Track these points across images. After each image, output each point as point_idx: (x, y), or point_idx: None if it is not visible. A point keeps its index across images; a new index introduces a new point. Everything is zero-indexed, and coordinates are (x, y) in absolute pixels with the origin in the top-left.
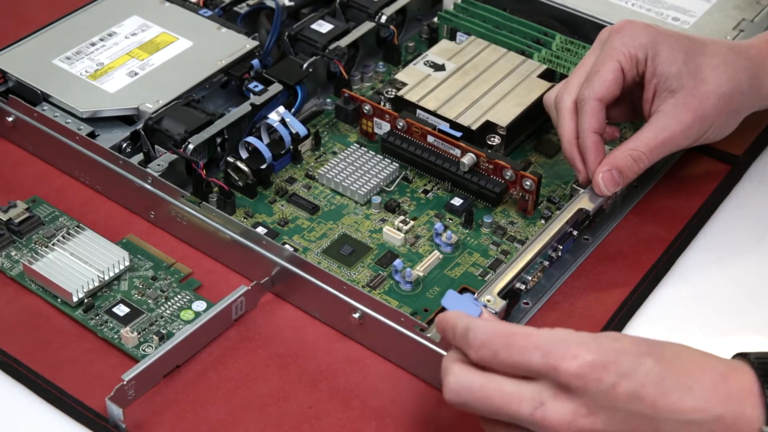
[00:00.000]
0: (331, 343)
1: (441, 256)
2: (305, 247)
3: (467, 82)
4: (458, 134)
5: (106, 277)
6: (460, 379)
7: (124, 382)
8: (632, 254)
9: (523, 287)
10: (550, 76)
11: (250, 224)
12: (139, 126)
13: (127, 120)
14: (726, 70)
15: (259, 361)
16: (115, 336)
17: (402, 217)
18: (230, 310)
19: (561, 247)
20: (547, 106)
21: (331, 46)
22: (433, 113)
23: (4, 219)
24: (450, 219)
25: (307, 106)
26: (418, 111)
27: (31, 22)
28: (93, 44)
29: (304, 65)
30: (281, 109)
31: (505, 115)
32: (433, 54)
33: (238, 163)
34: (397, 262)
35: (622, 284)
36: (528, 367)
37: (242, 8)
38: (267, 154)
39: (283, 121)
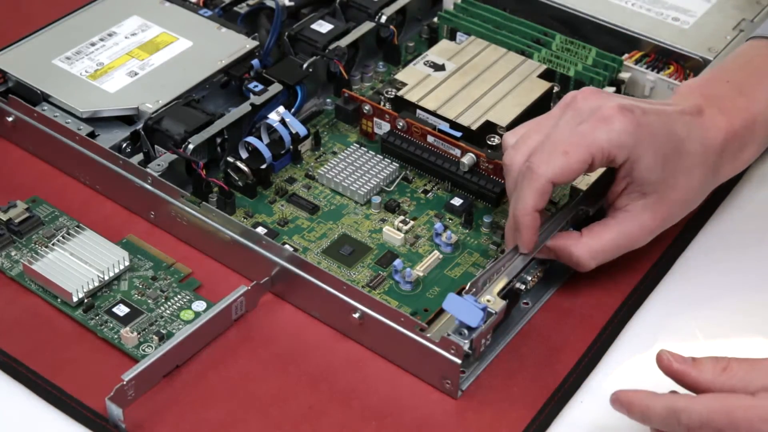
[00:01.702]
0: (331, 343)
1: (441, 256)
2: (305, 247)
3: (467, 82)
4: (458, 134)
5: (106, 277)
6: None
7: (124, 382)
8: (632, 254)
9: (523, 287)
10: (550, 76)
11: (250, 224)
12: (139, 126)
13: (127, 120)
14: (698, 175)
15: (259, 361)
16: (115, 336)
17: (402, 217)
18: (230, 310)
19: None
20: (504, 145)
21: (331, 46)
22: (433, 113)
23: (4, 219)
24: (450, 219)
25: (307, 106)
26: (418, 111)
27: (31, 22)
28: (93, 44)
29: (304, 65)
30: (281, 109)
31: (505, 115)
32: (433, 54)
33: (238, 163)
34: (397, 262)
35: (622, 284)
36: None
37: (242, 8)
38: (267, 154)
39: (283, 121)
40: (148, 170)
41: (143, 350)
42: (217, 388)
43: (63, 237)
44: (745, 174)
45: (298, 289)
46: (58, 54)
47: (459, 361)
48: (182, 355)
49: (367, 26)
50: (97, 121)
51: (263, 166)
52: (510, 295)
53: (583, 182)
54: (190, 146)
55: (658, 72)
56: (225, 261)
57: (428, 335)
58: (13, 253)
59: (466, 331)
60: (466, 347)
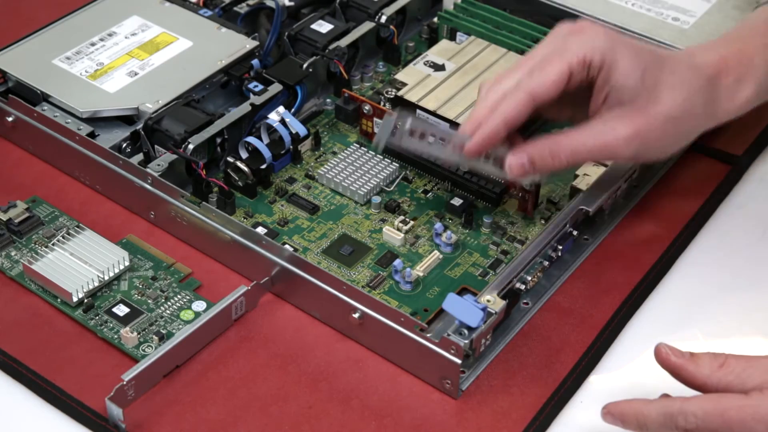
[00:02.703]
0: (331, 343)
1: (441, 256)
2: (305, 247)
3: (467, 82)
4: None
5: (106, 277)
6: None
7: (124, 382)
8: (632, 254)
9: (523, 287)
10: None
11: (250, 224)
12: (139, 126)
13: (127, 120)
14: (682, 91)
15: (259, 361)
16: (115, 336)
17: (402, 217)
18: (230, 310)
19: (561, 247)
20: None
21: (331, 46)
22: (433, 113)
23: (4, 219)
24: (450, 219)
25: (307, 106)
26: (418, 111)
27: (31, 22)
28: (93, 44)
29: (304, 65)
30: (281, 109)
31: None
32: (433, 54)
33: (238, 163)
34: (397, 262)
35: (622, 284)
36: None
37: (242, 8)
38: (267, 154)
39: (283, 121)
40: (148, 170)
41: (143, 350)
42: (217, 388)
43: (63, 237)
44: (745, 174)
45: (298, 289)
46: (58, 54)
47: (459, 361)
48: (182, 355)
49: (367, 26)
50: (97, 121)
51: (263, 166)
52: (510, 295)
53: (583, 182)
54: (190, 146)
55: None
56: (225, 261)
57: (428, 335)
58: (13, 253)
59: (466, 331)
60: (466, 347)
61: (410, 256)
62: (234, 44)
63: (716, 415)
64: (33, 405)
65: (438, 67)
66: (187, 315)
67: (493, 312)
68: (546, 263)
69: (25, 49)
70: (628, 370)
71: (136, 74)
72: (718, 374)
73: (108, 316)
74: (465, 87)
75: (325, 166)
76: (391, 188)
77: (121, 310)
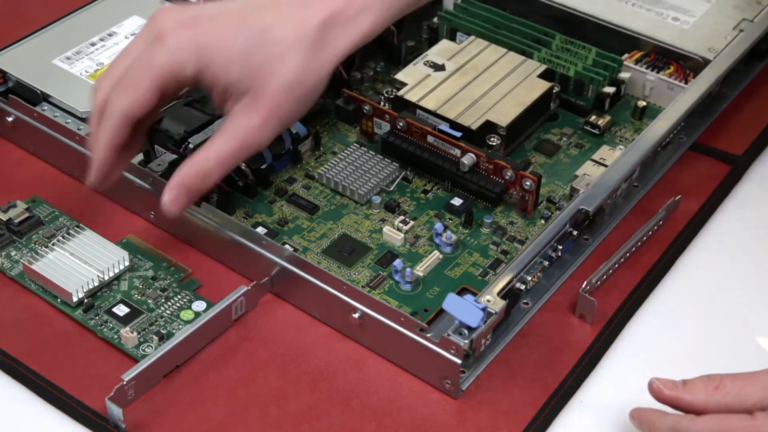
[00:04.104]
0: (331, 343)
1: (441, 256)
2: (305, 247)
3: (467, 82)
4: (458, 134)
5: (106, 277)
6: None
7: (124, 382)
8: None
9: (523, 287)
10: (550, 76)
11: (250, 224)
12: None
13: None
14: (291, 57)
15: (259, 361)
16: (115, 336)
17: (402, 217)
18: (230, 310)
19: (561, 247)
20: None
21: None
22: (433, 113)
23: (4, 219)
24: (450, 219)
25: None
26: (418, 111)
27: (31, 22)
28: (93, 44)
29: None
30: None
31: (505, 115)
32: (433, 54)
33: None
34: (397, 262)
35: (622, 284)
36: None
37: None
38: (267, 154)
39: None
40: (148, 170)
41: (143, 350)
42: (217, 388)
43: (63, 237)
44: (745, 174)
45: (298, 289)
46: (58, 54)
47: (459, 361)
48: (182, 355)
49: None
50: None
51: (263, 166)
52: (510, 295)
53: (583, 182)
54: (190, 146)
55: (658, 72)
56: (225, 261)
57: (428, 335)
58: (13, 253)
59: (466, 331)
60: (466, 347)
61: (410, 256)
62: None
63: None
64: (33, 405)
65: (438, 67)
66: (187, 315)
67: (493, 312)
68: (546, 263)
69: (25, 49)
70: (628, 371)
71: None
72: (716, 396)
73: (108, 316)
74: (465, 87)
75: (325, 166)
76: (391, 188)
77: (121, 310)
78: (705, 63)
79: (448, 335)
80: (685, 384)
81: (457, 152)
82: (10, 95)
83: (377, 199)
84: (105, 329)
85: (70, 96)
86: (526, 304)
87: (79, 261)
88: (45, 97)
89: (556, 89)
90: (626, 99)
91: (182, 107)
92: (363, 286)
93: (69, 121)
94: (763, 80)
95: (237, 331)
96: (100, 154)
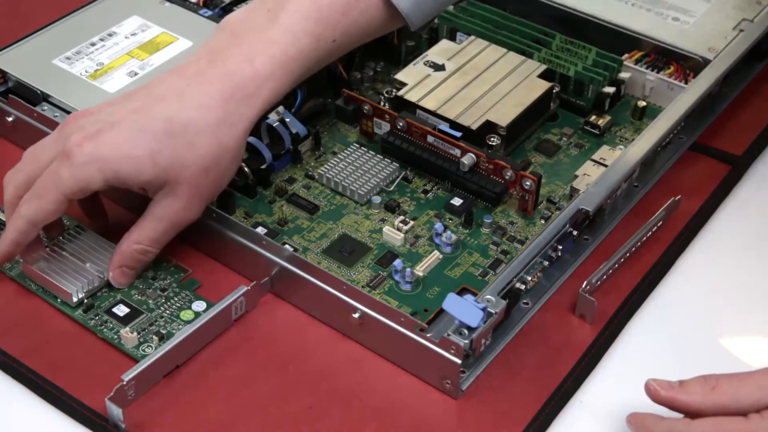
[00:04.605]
0: (331, 343)
1: (441, 256)
2: (305, 247)
3: (467, 82)
4: (458, 134)
5: (106, 277)
6: None
7: (124, 383)
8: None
9: (523, 287)
10: (550, 76)
11: (250, 224)
12: None
13: None
14: (201, 142)
15: (259, 361)
16: (115, 336)
17: (402, 217)
18: (230, 310)
19: (561, 247)
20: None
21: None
22: (433, 113)
23: (4, 219)
24: (450, 219)
25: (307, 106)
26: (418, 111)
27: (31, 22)
28: (93, 44)
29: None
30: (281, 109)
31: (505, 115)
32: (433, 54)
33: None
34: (397, 262)
35: (622, 284)
36: None
37: None
38: (267, 154)
39: (283, 121)
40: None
41: (143, 350)
42: (217, 388)
43: (63, 237)
44: (745, 174)
45: (298, 289)
46: (58, 54)
47: (459, 361)
48: (182, 356)
49: None
50: None
51: (263, 166)
52: (510, 295)
53: (583, 182)
54: None
55: (658, 72)
56: (225, 261)
57: (428, 335)
58: None
59: (466, 331)
60: (466, 347)
61: (410, 256)
62: None
63: None
64: (33, 405)
65: (438, 67)
66: (187, 315)
67: (493, 312)
68: (546, 263)
69: (25, 49)
70: (628, 371)
71: (136, 74)
72: (712, 397)
73: (108, 316)
74: (465, 87)
75: (325, 166)
76: (391, 188)
77: (121, 310)
78: (705, 63)
79: (448, 335)
80: (681, 385)
81: (457, 152)
82: (10, 95)
83: (377, 199)
84: (105, 329)
85: (70, 96)
86: (526, 304)
87: (79, 261)
88: (45, 97)
89: (556, 89)
90: (626, 99)
91: None
92: (363, 286)
93: None
94: (763, 80)
95: (237, 331)
96: (5, 248)
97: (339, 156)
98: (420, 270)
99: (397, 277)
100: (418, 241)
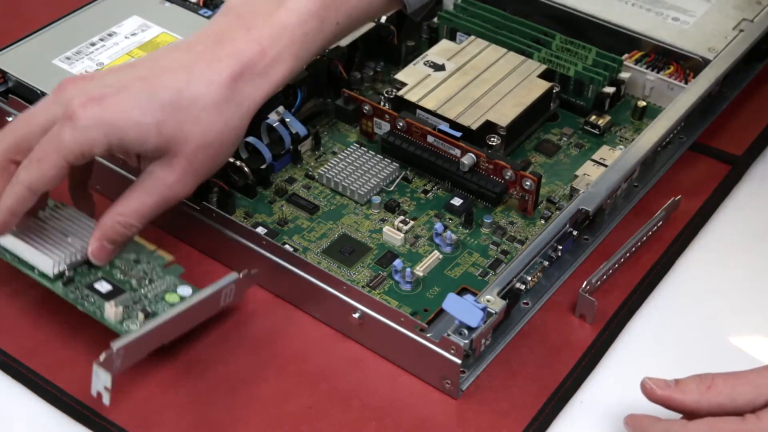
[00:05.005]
0: (331, 343)
1: (441, 256)
2: (305, 247)
3: (467, 82)
4: (458, 134)
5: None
6: None
7: (114, 351)
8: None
9: (523, 287)
10: (550, 76)
11: (250, 224)
12: None
13: None
14: (206, 117)
15: (259, 361)
16: (97, 310)
17: (402, 217)
18: (219, 295)
19: (561, 247)
20: None
21: (331, 46)
22: (433, 113)
23: None
24: (450, 219)
25: (307, 106)
26: (418, 111)
27: (31, 22)
28: (93, 44)
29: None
30: (281, 109)
31: (505, 115)
32: (433, 54)
33: (238, 163)
34: (397, 262)
35: (622, 284)
36: None
37: None
38: (267, 154)
39: (283, 121)
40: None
41: (127, 326)
42: (217, 388)
43: (44, 211)
44: (745, 174)
45: (298, 289)
46: (58, 54)
47: (459, 361)
48: (169, 335)
49: (367, 26)
50: None
51: (263, 166)
52: (510, 295)
53: (583, 182)
54: None
55: (658, 72)
56: (225, 261)
57: (428, 335)
58: None
59: (466, 331)
60: (466, 347)
61: (410, 256)
62: None
63: None
64: (33, 405)
65: (438, 67)
66: (172, 298)
67: (493, 312)
68: (546, 263)
69: (25, 49)
70: (628, 371)
71: None
72: (708, 396)
73: (89, 290)
74: (465, 87)
75: (325, 166)
76: (391, 188)
77: (103, 286)
78: (705, 63)
79: (448, 335)
80: (677, 384)
81: (457, 152)
82: (10, 95)
83: (377, 199)
84: (86, 303)
85: None
86: (526, 304)
87: (61, 234)
88: None
89: (556, 89)
90: (626, 99)
91: None
92: (363, 286)
93: None
94: (763, 80)
95: (237, 331)
96: (1, 216)
97: (339, 156)
98: (420, 270)
99: (397, 277)
100: (418, 241)
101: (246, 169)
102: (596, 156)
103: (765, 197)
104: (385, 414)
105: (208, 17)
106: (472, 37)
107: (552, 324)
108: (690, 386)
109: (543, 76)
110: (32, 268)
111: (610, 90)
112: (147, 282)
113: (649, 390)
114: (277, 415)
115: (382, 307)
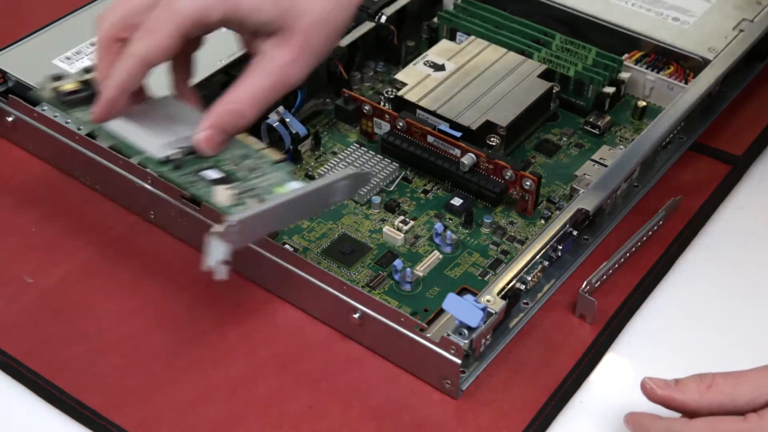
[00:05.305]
0: (331, 343)
1: (441, 256)
2: (305, 247)
3: (467, 82)
4: (458, 134)
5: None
6: None
7: (234, 223)
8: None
9: (523, 287)
10: (550, 76)
11: None
12: None
13: None
14: None
15: (259, 361)
16: (206, 194)
17: (402, 217)
18: (330, 190)
19: (561, 247)
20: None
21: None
22: (433, 113)
23: (88, 78)
24: (450, 219)
25: (307, 106)
26: (418, 111)
27: (31, 22)
28: (93, 44)
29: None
30: (281, 109)
31: (505, 115)
32: (433, 54)
33: None
34: (397, 262)
35: (622, 284)
36: None
37: None
38: None
39: (283, 121)
40: (148, 170)
41: (238, 211)
42: (217, 388)
43: (152, 97)
44: (745, 174)
45: (298, 289)
46: (58, 54)
47: (459, 361)
48: (282, 222)
49: (367, 26)
50: None
51: None
52: (510, 295)
53: (583, 182)
54: None
55: (658, 72)
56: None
57: (428, 335)
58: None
59: (466, 331)
60: (466, 347)
61: (410, 256)
62: (234, 44)
63: None
64: (33, 405)
65: (438, 67)
66: (282, 191)
67: (493, 312)
68: (546, 263)
69: (25, 49)
70: (628, 371)
71: None
72: (708, 396)
73: (197, 177)
74: (465, 87)
75: (325, 166)
76: (391, 188)
77: (213, 174)
78: (705, 63)
79: (448, 335)
80: (677, 383)
81: (457, 152)
82: (10, 95)
83: (377, 199)
84: (195, 187)
85: None
86: (526, 304)
87: (168, 121)
88: None
89: (556, 89)
90: (626, 99)
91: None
92: (363, 286)
93: (69, 121)
94: (763, 80)
95: (237, 331)
96: (111, 93)
97: (339, 156)
98: (420, 270)
99: (397, 277)
100: (418, 241)
101: None
102: (596, 156)
103: (765, 197)
104: (385, 414)
105: None
106: (472, 37)
107: (552, 324)
108: (690, 386)
109: (543, 76)
110: (139, 152)
111: (610, 90)
112: (257, 175)
113: (649, 390)
114: (277, 415)
115: (382, 307)
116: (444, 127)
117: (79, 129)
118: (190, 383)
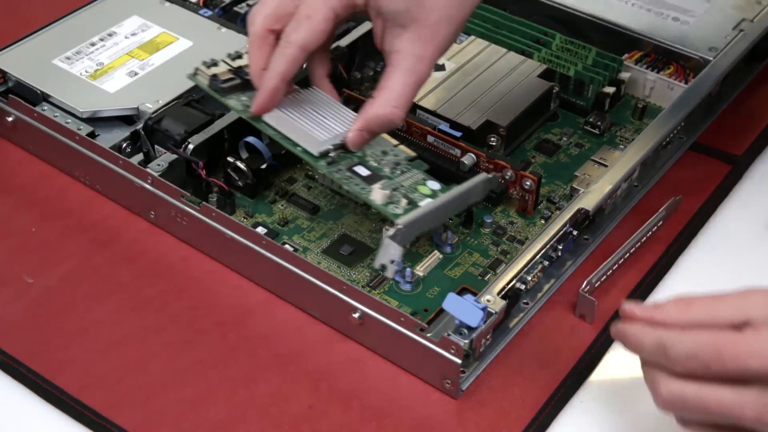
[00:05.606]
0: (331, 343)
1: (441, 256)
2: (305, 247)
3: (467, 82)
4: (458, 134)
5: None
6: (671, 389)
7: (401, 226)
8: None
9: (523, 287)
10: (550, 76)
11: (250, 224)
12: (139, 126)
13: (127, 120)
14: None
15: (259, 361)
16: (362, 191)
17: None
18: (470, 192)
19: (561, 247)
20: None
21: (331, 47)
22: (433, 113)
23: (235, 66)
24: (450, 219)
25: None
26: (418, 111)
27: (31, 22)
28: (93, 44)
29: (304, 65)
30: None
31: (505, 115)
32: None
33: (238, 163)
34: None
35: (622, 284)
36: (744, 376)
37: (242, 8)
38: (267, 154)
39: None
40: (148, 170)
41: (393, 209)
42: (217, 388)
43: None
44: (745, 174)
45: (298, 289)
46: (58, 54)
47: (459, 361)
48: (432, 221)
49: (367, 26)
50: (97, 121)
51: (263, 166)
52: (510, 295)
53: (583, 182)
54: (190, 146)
55: (658, 72)
56: (225, 261)
57: (428, 335)
58: (243, 98)
59: (466, 331)
60: (466, 347)
61: (410, 256)
62: (234, 44)
63: (710, 347)
64: (33, 405)
65: (438, 67)
66: (425, 189)
67: (493, 312)
68: (546, 263)
69: (25, 49)
70: (628, 370)
71: (136, 74)
72: (688, 315)
73: (350, 173)
74: (465, 87)
75: None
76: None
77: (363, 170)
78: (705, 63)
79: (448, 335)
80: (656, 305)
81: (457, 152)
82: (10, 95)
83: None
84: (351, 184)
85: (70, 96)
86: (526, 304)
87: (319, 116)
88: (45, 97)
89: (556, 89)
90: (626, 99)
91: (182, 107)
92: (363, 286)
93: (69, 121)
94: (763, 80)
95: (237, 331)
96: (272, 83)
97: None
98: (420, 270)
99: (397, 277)
100: (418, 241)
101: (246, 169)
102: (596, 156)
103: (765, 197)
104: (385, 414)
105: (208, 17)
106: (472, 37)
107: (552, 324)
108: (669, 306)
109: (543, 76)
110: (295, 145)
111: (610, 90)
112: (401, 171)
113: (629, 312)
114: (277, 415)
115: (382, 307)
116: (444, 127)
117: (79, 129)
118: (190, 383)
